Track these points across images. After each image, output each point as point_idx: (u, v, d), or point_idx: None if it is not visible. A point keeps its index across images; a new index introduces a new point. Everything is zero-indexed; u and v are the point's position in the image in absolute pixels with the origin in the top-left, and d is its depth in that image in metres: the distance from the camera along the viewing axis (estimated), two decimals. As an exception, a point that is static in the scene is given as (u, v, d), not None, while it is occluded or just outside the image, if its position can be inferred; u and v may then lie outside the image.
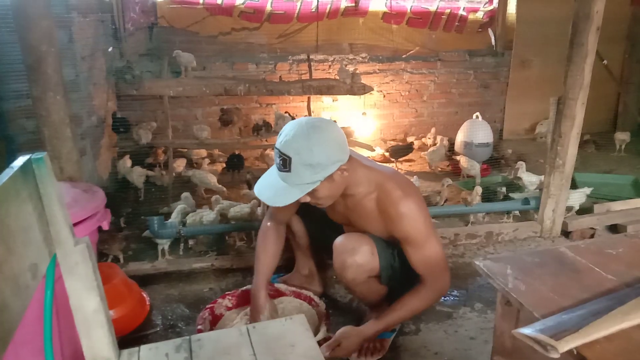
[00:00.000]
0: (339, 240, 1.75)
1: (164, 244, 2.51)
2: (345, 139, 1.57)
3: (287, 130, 1.49)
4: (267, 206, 2.08)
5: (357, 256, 1.69)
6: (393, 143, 4.60)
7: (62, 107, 2.01)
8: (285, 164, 1.47)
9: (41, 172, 0.88)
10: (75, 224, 1.56)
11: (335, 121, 1.74)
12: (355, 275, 1.72)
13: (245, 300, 2.04)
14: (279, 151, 1.48)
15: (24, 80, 1.99)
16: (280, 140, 1.49)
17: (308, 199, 1.58)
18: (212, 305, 1.98)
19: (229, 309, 2.01)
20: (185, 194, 2.88)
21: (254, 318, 1.84)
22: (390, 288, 1.84)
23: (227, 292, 2.08)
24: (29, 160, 0.87)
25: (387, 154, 4.22)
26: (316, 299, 2.02)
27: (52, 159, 2.03)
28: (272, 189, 1.54)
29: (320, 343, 1.75)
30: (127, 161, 3.35)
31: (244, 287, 2.10)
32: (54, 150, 2.05)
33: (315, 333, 1.81)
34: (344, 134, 1.57)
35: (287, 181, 1.51)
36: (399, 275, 1.77)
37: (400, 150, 4.21)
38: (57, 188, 0.91)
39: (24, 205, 0.83)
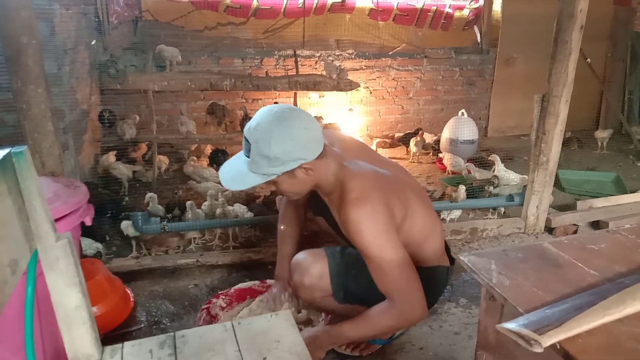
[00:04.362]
0: (296, 258, 1.76)
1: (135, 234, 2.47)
2: (316, 136, 1.47)
3: (256, 116, 1.47)
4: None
5: (305, 277, 1.69)
6: (379, 140, 4.63)
7: (44, 101, 1.98)
8: (247, 149, 1.46)
9: (21, 166, 0.87)
10: (57, 220, 1.54)
11: (321, 117, 1.69)
12: (307, 295, 1.73)
13: (239, 298, 2.04)
14: (245, 136, 1.46)
15: (3, 73, 1.95)
16: (247, 124, 1.47)
17: (272, 187, 1.61)
18: (207, 306, 1.96)
19: (222, 308, 1.99)
20: (151, 194, 2.68)
21: (275, 300, 1.90)
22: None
23: (220, 292, 2.06)
24: (8, 154, 0.86)
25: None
26: None
27: (33, 153, 2.00)
28: (233, 172, 1.53)
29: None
30: (111, 157, 3.32)
31: (237, 286, 2.08)
32: (35, 144, 2.01)
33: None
34: (316, 131, 1.47)
35: (248, 167, 1.48)
36: (364, 294, 1.64)
37: (409, 135, 4.45)
38: (38, 183, 0.89)
39: (2, 200, 0.81)
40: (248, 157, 1.46)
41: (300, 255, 1.75)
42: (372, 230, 1.45)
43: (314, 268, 1.69)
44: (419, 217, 1.66)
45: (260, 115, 1.46)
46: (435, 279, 1.74)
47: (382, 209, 1.48)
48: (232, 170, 1.54)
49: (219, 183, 3.13)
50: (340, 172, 1.55)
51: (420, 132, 4.36)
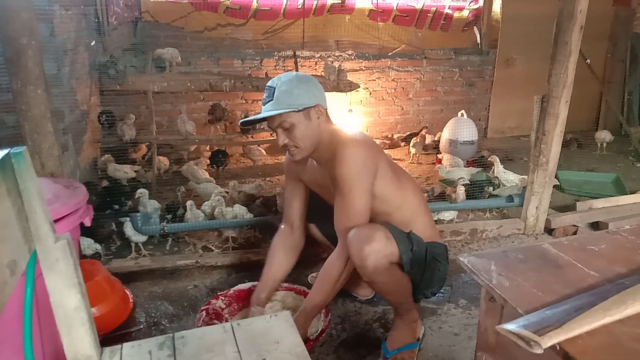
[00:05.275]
0: (352, 233, 1.66)
1: (140, 240, 2.48)
2: (325, 96, 1.74)
3: (279, 75, 1.71)
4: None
5: (373, 242, 1.62)
6: (379, 141, 4.64)
7: (43, 101, 1.97)
8: (270, 94, 1.66)
9: (20, 167, 0.86)
10: (56, 221, 1.54)
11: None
12: (375, 263, 1.63)
13: (238, 299, 2.03)
14: (268, 85, 1.68)
15: (3, 74, 1.95)
16: (271, 80, 1.70)
17: (286, 140, 1.68)
18: (206, 307, 1.96)
19: (222, 309, 1.98)
20: (142, 190, 2.65)
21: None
22: (413, 283, 1.78)
23: (219, 293, 2.05)
24: (7, 154, 0.85)
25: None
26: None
27: (33, 154, 1.99)
28: (254, 116, 1.74)
29: (318, 336, 1.77)
30: (109, 160, 3.33)
31: (236, 287, 2.08)
32: (34, 145, 2.01)
33: (316, 327, 1.82)
34: (324, 94, 1.75)
35: (269, 109, 1.66)
36: (421, 263, 1.73)
37: (413, 135, 4.54)
38: (37, 183, 0.89)
39: (2, 201, 0.81)
40: (271, 99, 1.65)
41: (356, 229, 1.66)
42: (353, 167, 1.63)
43: (378, 232, 1.64)
44: (410, 188, 1.86)
45: (281, 74, 1.71)
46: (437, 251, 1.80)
47: (369, 156, 1.67)
48: (254, 116, 1.75)
49: (219, 185, 3.18)
50: (338, 133, 1.73)
51: (420, 133, 4.37)
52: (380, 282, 1.72)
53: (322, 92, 1.73)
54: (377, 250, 1.62)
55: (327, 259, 1.73)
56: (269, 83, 1.69)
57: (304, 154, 1.73)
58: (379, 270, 1.65)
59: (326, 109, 1.74)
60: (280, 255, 1.98)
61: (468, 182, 3.00)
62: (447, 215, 2.92)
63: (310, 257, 2.53)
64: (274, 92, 1.65)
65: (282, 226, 2.03)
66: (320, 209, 1.98)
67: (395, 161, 3.37)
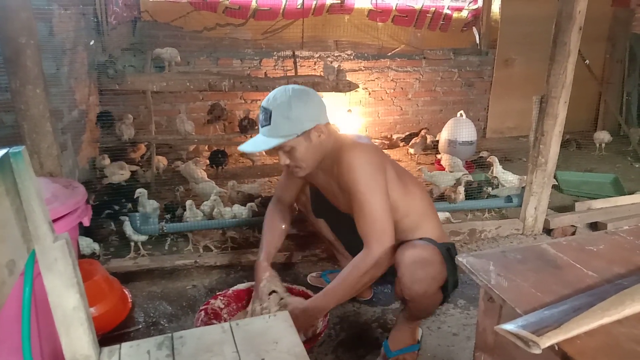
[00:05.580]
0: (405, 253, 1.60)
1: (140, 239, 2.48)
2: (324, 106, 1.67)
3: (274, 91, 1.64)
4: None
5: (429, 268, 1.59)
6: (378, 142, 4.64)
7: (42, 101, 1.97)
8: (267, 117, 1.60)
9: (19, 166, 0.86)
10: (55, 220, 1.53)
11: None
12: (427, 288, 1.61)
13: (237, 299, 2.03)
14: (263, 107, 1.62)
15: (2, 73, 1.95)
16: (266, 98, 1.63)
17: (287, 161, 1.67)
18: (205, 307, 1.95)
19: (220, 309, 1.98)
20: (141, 190, 2.65)
21: (255, 290, 1.87)
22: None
23: (218, 293, 2.05)
24: (6, 154, 0.85)
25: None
26: (310, 293, 2.01)
27: (32, 153, 1.99)
28: (252, 142, 1.68)
29: (317, 337, 1.76)
30: (107, 160, 3.32)
31: (235, 287, 2.07)
32: (33, 144, 2.01)
33: (314, 326, 1.81)
34: (323, 103, 1.67)
35: (267, 134, 1.61)
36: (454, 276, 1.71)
37: (412, 135, 4.58)
38: (36, 183, 0.89)
39: (0, 200, 0.81)
40: (268, 124, 1.59)
41: (409, 249, 1.61)
42: (363, 171, 1.60)
43: (434, 257, 1.61)
44: (417, 192, 1.80)
45: (276, 90, 1.64)
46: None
47: (375, 159, 1.65)
48: (252, 141, 1.69)
49: (218, 185, 3.18)
50: (340, 139, 1.71)
51: (420, 133, 4.37)
52: (421, 302, 1.69)
53: (321, 106, 1.66)
54: (433, 277, 1.61)
55: (351, 260, 1.66)
56: (264, 104, 1.61)
57: (306, 172, 1.73)
58: (428, 294, 1.64)
59: (327, 124, 1.67)
60: (279, 223, 1.99)
61: (470, 180, 3.01)
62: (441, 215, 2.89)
63: (309, 257, 2.54)
64: (270, 116, 1.58)
65: (274, 206, 2.03)
66: (330, 208, 1.95)
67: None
